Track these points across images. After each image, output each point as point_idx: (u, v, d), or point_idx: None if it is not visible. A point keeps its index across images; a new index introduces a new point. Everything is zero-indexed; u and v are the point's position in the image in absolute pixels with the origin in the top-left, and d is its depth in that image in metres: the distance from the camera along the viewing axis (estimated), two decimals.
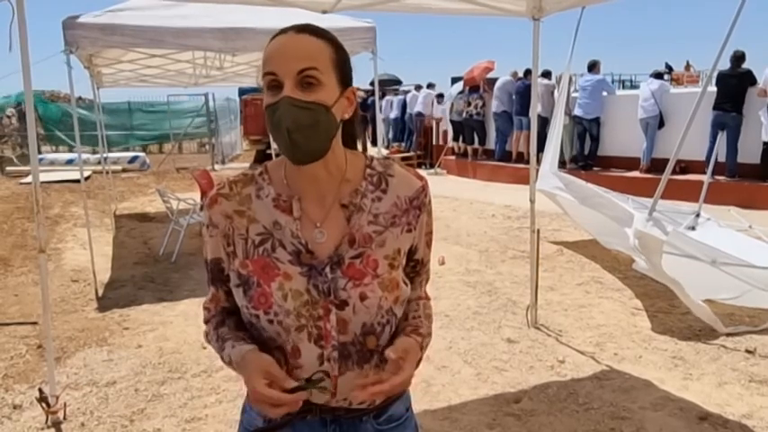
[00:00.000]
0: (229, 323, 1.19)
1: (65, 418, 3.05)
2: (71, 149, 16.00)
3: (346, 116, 1.11)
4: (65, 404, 3.11)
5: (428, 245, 1.24)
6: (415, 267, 1.24)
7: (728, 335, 3.93)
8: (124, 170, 14.25)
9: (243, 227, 1.12)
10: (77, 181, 6.64)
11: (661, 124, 9.34)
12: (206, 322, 1.22)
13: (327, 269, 1.09)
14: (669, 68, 16.90)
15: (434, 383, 3.38)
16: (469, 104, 12.48)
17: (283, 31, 1.07)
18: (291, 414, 1.11)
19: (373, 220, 1.13)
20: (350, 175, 1.14)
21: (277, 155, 1.21)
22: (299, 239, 1.09)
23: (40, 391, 3.05)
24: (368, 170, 1.17)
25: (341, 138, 1.13)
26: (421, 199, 1.18)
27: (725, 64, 8.20)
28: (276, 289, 1.07)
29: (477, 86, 12.62)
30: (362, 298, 1.09)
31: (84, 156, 10.34)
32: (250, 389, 1.05)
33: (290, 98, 1.01)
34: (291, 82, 1.02)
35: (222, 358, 1.16)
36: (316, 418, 1.14)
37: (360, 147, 1.24)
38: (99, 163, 9.98)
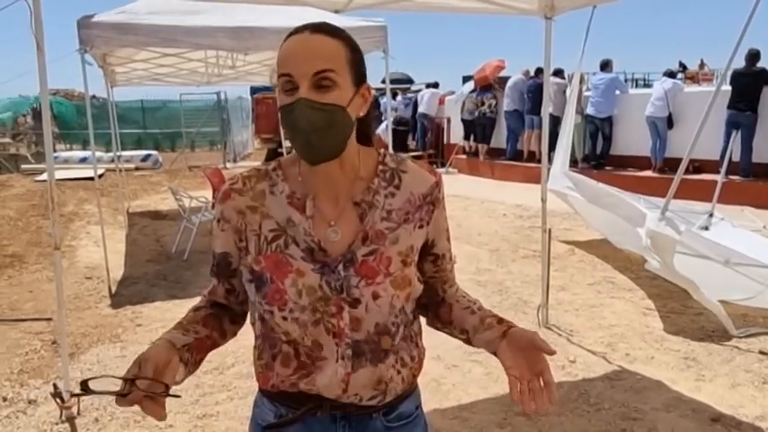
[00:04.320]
0: (204, 313, 1.20)
1: (78, 414, 3.08)
2: (85, 147, 16.16)
3: (361, 114, 1.11)
4: (78, 400, 3.14)
5: (448, 240, 1.24)
6: (436, 261, 1.23)
7: (741, 336, 3.89)
8: (137, 168, 14.35)
9: (256, 222, 1.12)
10: (91, 179, 6.70)
11: (670, 125, 9.27)
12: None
13: (340, 267, 1.08)
14: (683, 67, 16.79)
15: (444, 383, 3.38)
16: (483, 103, 12.43)
17: (298, 30, 1.06)
18: (301, 409, 1.13)
19: (386, 217, 1.13)
20: (363, 173, 1.14)
21: (288, 152, 1.21)
22: (311, 238, 1.09)
23: (55, 386, 3.09)
24: (380, 166, 1.16)
25: (355, 135, 1.12)
26: (434, 195, 1.18)
27: (739, 62, 8.11)
28: (290, 285, 1.08)
29: (489, 85, 12.57)
30: (375, 297, 1.09)
31: (98, 154, 10.42)
32: (138, 360, 0.99)
33: (307, 100, 1.01)
34: (307, 83, 1.02)
35: None
36: (326, 414, 1.14)
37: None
38: (112, 161, 10.05)
